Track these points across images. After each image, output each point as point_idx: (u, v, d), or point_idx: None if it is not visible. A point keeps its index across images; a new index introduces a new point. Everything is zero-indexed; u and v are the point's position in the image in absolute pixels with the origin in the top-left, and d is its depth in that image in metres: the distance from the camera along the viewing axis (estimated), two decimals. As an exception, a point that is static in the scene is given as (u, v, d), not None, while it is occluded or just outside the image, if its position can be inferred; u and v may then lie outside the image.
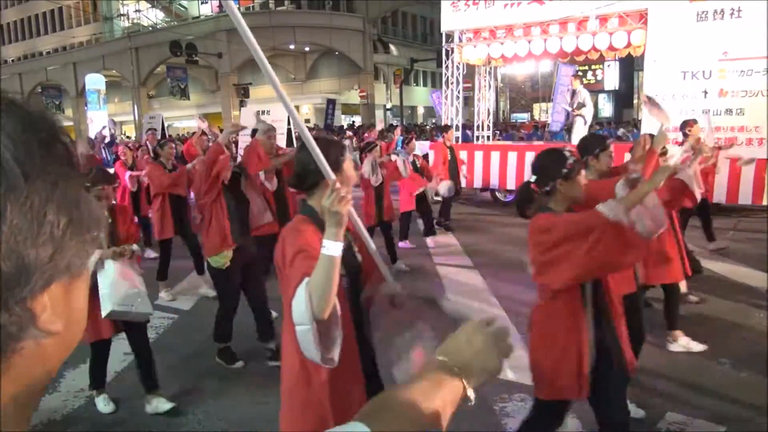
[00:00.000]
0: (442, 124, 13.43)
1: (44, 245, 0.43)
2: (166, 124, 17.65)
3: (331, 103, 28.78)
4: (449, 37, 12.74)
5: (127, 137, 32.76)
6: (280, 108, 12.89)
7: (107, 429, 3.83)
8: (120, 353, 4.98)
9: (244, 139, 11.32)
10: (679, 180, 3.86)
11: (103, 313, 3.32)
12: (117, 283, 3.35)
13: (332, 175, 1.86)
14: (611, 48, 10.73)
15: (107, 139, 13.60)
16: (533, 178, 2.71)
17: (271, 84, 1.70)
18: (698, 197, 4.04)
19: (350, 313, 2.16)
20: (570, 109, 12.05)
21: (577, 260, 2.40)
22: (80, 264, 0.47)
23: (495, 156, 11.49)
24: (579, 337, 2.57)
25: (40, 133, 0.45)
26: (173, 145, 7.49)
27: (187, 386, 4.37)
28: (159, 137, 12.88)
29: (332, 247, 1.83)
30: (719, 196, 9.35)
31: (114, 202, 4.27)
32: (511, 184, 11.31)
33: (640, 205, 2.60)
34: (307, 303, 1.82)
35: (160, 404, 3.92)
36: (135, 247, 3.79)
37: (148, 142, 10.99)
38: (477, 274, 6.98)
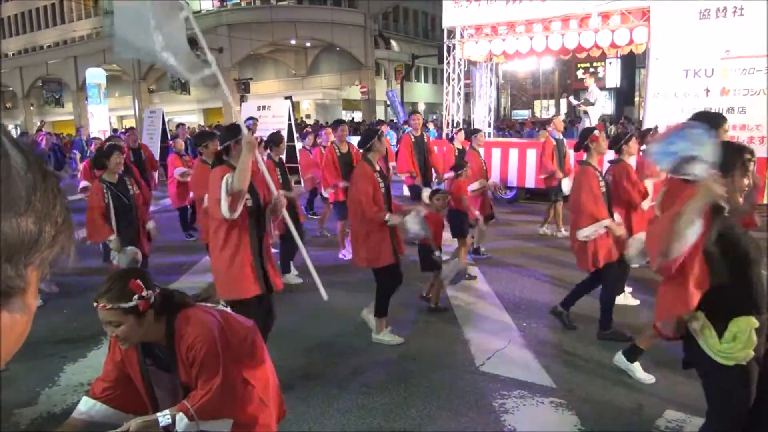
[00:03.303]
0: (401, 122, 13.25)
1: (52, 227, 0.53)
2: (166, 119, 17.62)
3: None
4: (451, 33, 12.71)
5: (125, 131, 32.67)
6: (280, 103, 12.88)
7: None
8: (120, 347, 4.99)
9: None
10: None
11: None
12: None
13: None
14: (613, 45, 10.72)
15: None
16: None
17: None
18: None
19: None
20: (575, 103, 12.07)
21: None
22: (52, 260, 0.56)
23: (496, 153, 11.46)
24: None
25: (39, 153, 0.56)
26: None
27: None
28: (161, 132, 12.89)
29: None
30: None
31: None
32: (512, 181, 11.33)
33: None
34: None
35: None
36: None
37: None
38: (477, 271, 6.97)
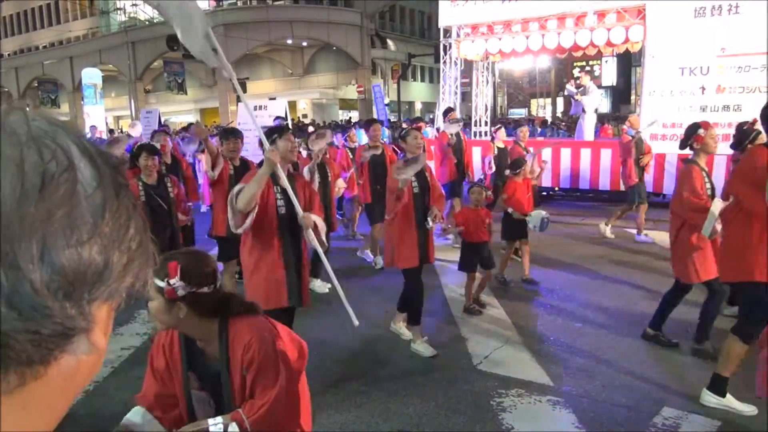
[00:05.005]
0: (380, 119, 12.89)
1: (122, 254, 0.46)
2: (162, 119, 17.58)
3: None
4: (447, 32, 12.72)
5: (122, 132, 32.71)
6: (276, 103, 12.86)
7: (105, 424, 3.83)
8: (117, 348, 4.98)
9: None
10: None
11: None
12: None
13: None
14: (609, 44, 10.73)
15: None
16: None
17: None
18: None
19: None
20: (575, 92, 12.06)
21: None
22: (125, 291, 0.49)
23: (565, 153, 11.26)
24: None
25: (115, 161, 0.49)
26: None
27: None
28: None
29: None
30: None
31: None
32: (584, 183, 10.95)
33: None
34: None
35: None
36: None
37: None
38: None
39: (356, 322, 3.93)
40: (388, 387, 4.10)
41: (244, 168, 5.57)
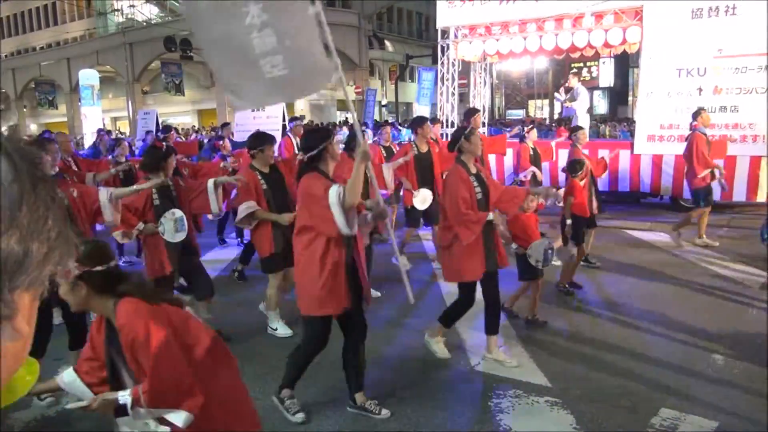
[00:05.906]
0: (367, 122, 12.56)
1: (42, 244, 0.48)
2: (160, 120, 17.56)
3: None
4: (445, 33, 12.73)
5: (121, 133, 32.68)
6: (274, 104, 12.84)
7: (102, 426, 3.82)
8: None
9: (240, 135, 11.29)
10: None
11: None
12: None
13: None
14: (606, 45, 10.75)
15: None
16: None
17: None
18: None
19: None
20: (562, 99, 12.10)
21: None
22: (47, 280, 0.51)
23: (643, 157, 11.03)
24: None
25: (33, 155, 0.51)
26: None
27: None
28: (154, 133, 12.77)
29: None
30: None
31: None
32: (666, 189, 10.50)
33: None
34: None
35: None
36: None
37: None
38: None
39: (412, 300, 3.82)
40: (386, 388, 4.10)
41: (275, 173, 5.19)
